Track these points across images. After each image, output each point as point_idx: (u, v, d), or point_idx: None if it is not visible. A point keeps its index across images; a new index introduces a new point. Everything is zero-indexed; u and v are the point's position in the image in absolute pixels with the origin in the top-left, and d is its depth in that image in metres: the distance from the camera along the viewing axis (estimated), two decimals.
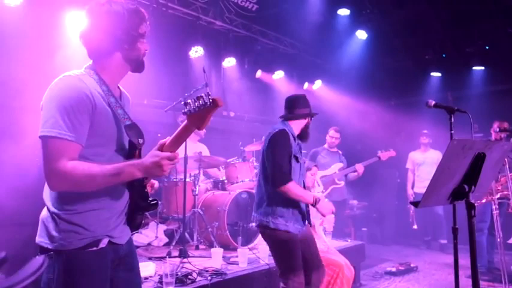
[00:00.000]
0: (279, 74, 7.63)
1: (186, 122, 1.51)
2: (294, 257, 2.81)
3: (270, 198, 2.84)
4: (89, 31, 1.63)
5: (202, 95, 1.43)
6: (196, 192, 4.58)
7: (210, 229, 4.40)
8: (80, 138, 1.51)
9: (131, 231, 1.78)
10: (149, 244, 4.78)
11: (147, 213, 1.88)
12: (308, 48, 7.98)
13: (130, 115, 1.70)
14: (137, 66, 1.72)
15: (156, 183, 1.91)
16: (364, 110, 8.01)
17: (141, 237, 4.82)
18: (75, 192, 1.54)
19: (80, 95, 1.52)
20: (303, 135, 3.06)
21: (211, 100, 1.41)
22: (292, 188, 2.75)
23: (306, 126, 3.06)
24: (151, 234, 4.89)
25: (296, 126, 3.01)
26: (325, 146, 5.91)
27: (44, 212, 1.60)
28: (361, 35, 7.37)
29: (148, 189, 1.88)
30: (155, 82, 5.48)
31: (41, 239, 1.57)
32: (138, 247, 4.65)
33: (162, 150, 1.57)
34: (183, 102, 1.49)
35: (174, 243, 4.36)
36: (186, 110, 1.47)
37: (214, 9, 6.45)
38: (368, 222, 7.63)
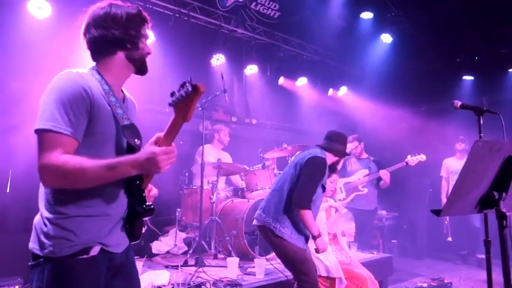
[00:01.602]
0: (302, 81, 7.51)
1: (173, 115, 1.43)
2: (302, 261, 2.94)
3: (286, 208, 2.97)
4: (90, 33, 1.63)
5: (185, 82, 1.35)
6: (214, 200, 4.49)
7: (227, 238, 4.30)
8: (76, 133, 1.47)
9: (131, 241, 1.70)
10: (168, 252, 4.73)
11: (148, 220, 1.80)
12: (332, 54, 7.83)
13: (131, 117, 1.66)
14: (140, 66, 1.69)
15: (154, 190, 1.82)
16: (392, 116, 7.73)
17: (160, 245, 4.79)
18: (67, 195, 1.49)
19: (78, 89, 1.48)
20: (331, 168, 3.26)
21: (192, 86, 1.32)
22: (307, 216, 2.91)
23: (337, 162, 3.29)
24: (171, 242, 4.85)
25: (329, 158, 3.19)
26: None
27: (37, 217, 1.56)
28: (386, 38, 7.15)
29: (147, 193, 1.81)
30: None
31: (32, 245, 1.52)
32: (157, 255, 4.62)
33: (158, 144, 1.49)
34: (170, 93, 1.41)
35: (191, 252, 4.28)
36: (171, 101, 1.40)
37: (236, 17, 6.45)
38: (398, 233, 7.30)
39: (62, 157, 1.42)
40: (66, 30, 4.43)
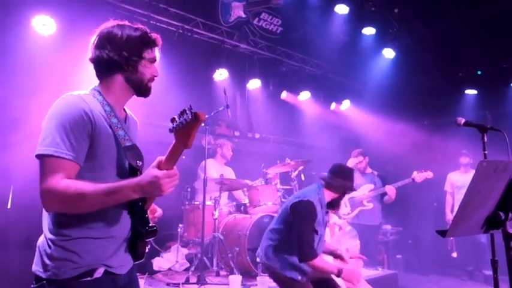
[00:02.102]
0: (305, 95, 7.52)
1: (174, 141, 1.43)
2: None
3: (276, 246, 2.98)
4: (93, 52, 1.64)
5: (185, 109, 1.35)
6: (216, 216, 4.45)
7: (230, 254, 4.25)
8: (77, 157, 1.46)
9: (135, 261, 1.69)
10: (169, 269, 4.67)
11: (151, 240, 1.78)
12: (334, 68, 7.87)
13: (133, 137, 1.65)
14: (140, 90, 1.69)
15: (159, 211, 1.81)
16: (395, 131, 7.71)
17: (162, 262, 4.73)
18: (71, 217, 1.47)
19: (79, 113, 1.48)
20: (333, 204, 3.11)
21: (193, 114, 1.32)
22: (317, 264, 2.85)
23: (339, 198, 3.11)
24: (172, 258, 4.79)
25: (328, 194, 3.06)
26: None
27: (41, 239, 1.55)
28: (388, 53, 7.17)
29: (150, 215, 1.79)
30: (180, 105, 5.50)
31: (36, 267, 1.50)
32: (158, 272, 4.57)
33: (160, 168, 1.48)
34: (170, 119, 1.41)
35: (193, 269, 4.23)
36: (171, 127, 1.39)
37: (239, 32, 6.51)
38: (403, 249, 7.19)
39: (63, 182, 1.41)
40: (70, 47, 4.50)
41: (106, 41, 1.61)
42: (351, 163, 5.50)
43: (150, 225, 1.61)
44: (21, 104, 4.34)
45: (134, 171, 1.57)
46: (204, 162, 4.53)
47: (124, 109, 1.75)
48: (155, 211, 1.80)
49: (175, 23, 5.78)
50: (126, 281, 1.64)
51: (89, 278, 1.48)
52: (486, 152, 2.39)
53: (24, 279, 1.54)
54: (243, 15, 6.36)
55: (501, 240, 1.88)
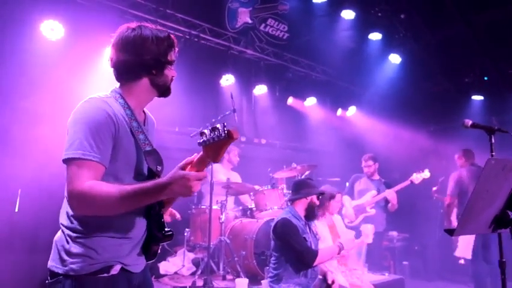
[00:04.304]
0: (311, 101, 7.54)
1: (202, 152, 1.45)
2: None
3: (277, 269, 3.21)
4: (118, 55, 1.63)
5: (218, 126, 1.35)
6: (222, 220, 4.46)
7: (236, 258, 4.25)
8: (103, 159, 1.47)
9: (147, 260, 1.69)
10: (176, 273, 4.68)
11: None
12: (341, 74, 7.87)
13: (152, 140, 1.66)
14: (164, 91, 1.70)
15: (177, 215, 1.83)
16: (401, 137, 7.69)
17: (168, 266, 4.74)
18: (92, 216, 1.48)
19: (104, 116, 1.49)
20: (308, 215, 3.37)
21: (226, 132, 1.32)
22: (321, 256, 3.14)
23: (310, 206, 3.36)
24: (179, 262, 4.80)
25: (300, 207, 3.35)
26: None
27: (58, 234, 1.56)
28: (395, 59, 7.18)
29: (168, 218, 1.81)
30: (187, 110, 5.56)
31: (52, 263, 1.52)
32: (165, 275, 4.58)
33: (187, 169, 1.50)
34: (199, 132, 1.43)
35: (199, 273, 4.23)
36: (201, 141, 1.40)
37: (245, 38, 6.55)
38: (409, 255, 7.14)
39: (88, 183, 1.41)
40: (78, 52, 4.57)
41: (134, 44, 1.59)
42: (363, 165, 5.63)
43: (166, 229, 1.61)
44: (30, 109, 4.39)
45: (153, 176, 1.57)
46: (210, 166, 4.55)
47: (143, 111, 1.75)
48: (174, 214, 1.82)
49: (182, 28, 5.84)
50: (140, 280, 1.65)
51: (105, 275, 1.49)
52: (493, 154, 2.38)
53: (31, 283, 1.55)
54: (250, 21, 6.42)
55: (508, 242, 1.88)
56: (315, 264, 3.12)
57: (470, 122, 2.53)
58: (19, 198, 4.42)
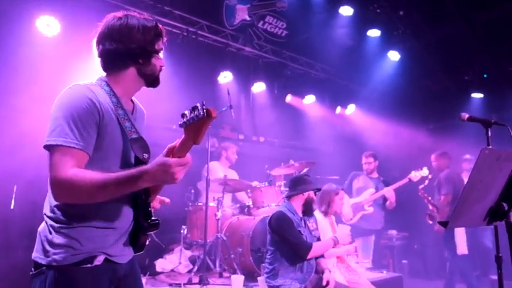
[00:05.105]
0: (310, 99, 7.51)
1: (183, 135, 1.41)
2: None
3: (272, 264, 3.22)
4: (103, 44, 1.60)
5: (197, 105, 1.32)
6: (219, 217, 4.43)
7: (233, 255, 4.21)
8: (87, 146, 1.45)
9: (135, 252, 1.68)
10: (172, 270, 4.65)
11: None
12: (340, 72, 7.84)
13: (140, 129, 1.64)
14: (152, 81, 1.68)
15: (166, 199, 1.80)
16: (401, 135, 7.65)
17: (165, 263, 4.71)
18: (74, 205, 1.46)
19: (88, 103, 1.47)
20: (305, 211, 3.37)
21: (205, 110, 1.30)
22: (315, 249, 3.19)
23: (307, 201, 3.36)
24: (176, 260, 4.76)
25: (297, 203, 3.37)
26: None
27: (42, 225, 1.54)
28: (394, 56, 7.13)
29: (157, 205, 1.78)
30: (184, 107, 5.51)
31: (36, 254, 1.50)
32: (161, 273, 4.55)
33: (170, 156, 1.46)
34: (181, 114, 1.39)
35: (195, 270, 4.20)
36: (181, 122, 1.37)
37: (243, 36, 6.52)
38: (409, 254, 7.11)
39: (72, 171, 1.39)
40: (74, 48, 4.53)
41: (121, 33, 1.57)
42: (363, 161, 5.61)
43: (153, 218, 1.59)
44: (25, 105, 4.36)
45: (140, 164, 1.53)
46: (208, 164, 4.52)
47: (132, 100, 1.73)
48: (163, 201, 1.79)
49: (180, 25, 5.81)
50: (126, 271, 1.62)
51: (88, 265, 1.47)
52: (490, 147, 2.35)
53: (27, 280, 1.54)
54: (248, 18, 6.38)
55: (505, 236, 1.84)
56: (309, 257, 3.14)
57: (466, 116, 2.50)
58: (14, 195, 4.40)
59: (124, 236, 1.58)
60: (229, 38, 6.36)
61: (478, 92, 7.45)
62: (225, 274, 4.38)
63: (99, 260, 1.49)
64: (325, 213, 3.75)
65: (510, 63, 6.94)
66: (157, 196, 1.74)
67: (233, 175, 5.48)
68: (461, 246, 5.24)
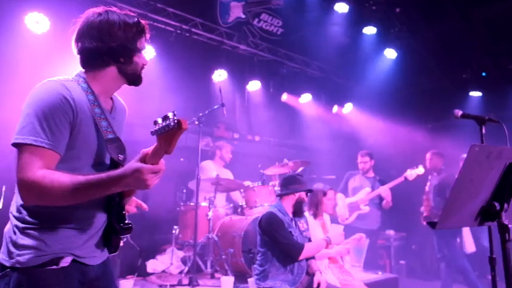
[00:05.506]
0: (306, 98, 7.42)
1: (156, 143, 1.35)
2: None
3: (263, 265, 3.17)
4: (82, 41, 1.53)
5: (169, 114, 1.26)
6: (210, 217, 4.35)
7: (224, 256, 4.14)
8: (58, 146, 1.38)
9: (110, 253, 1.62)
10: (164, 271, 4.57)
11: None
12: (336, 70, 7.76)
13: (119, 128, 1.58)
14: (133, 80, 1.61)
15: (144, 205, 1.73)
16: (398, 134, 7.56)
17: (156, 264, 4.64)
18: (41, 206, 1.39)
19: (60, 100, 1.40)
20: (295, 211, 3.31)
21: (176, 121, 1.24)
22: (307, 250, 3.13)
23: (298, 202, 3.30)
24: (167, 260, 4.69)
25: (288, 202, 3.30)
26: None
27: (8, 226, 1.48)
28: (390, 54, 7.04)
29: (133, 209, 1.71)
30: (178, 106, 5.46)
31: (1, 255, 1.44)
32: (152, 274, 4.47)
33: (145, 162, 1.39)
34: (153, 121, 1.32)
35: (186, 271, 4.12)
36: (153, 130, 1.31)
37: (238, 33, 6.44)
38: (407, 254, 7.03)
39: (40, 172, 1.33)
40: (64, 46, 4.45)
41: (101, 31, 1.50)
42: (358, 160, 5.54)
43: (126, 222, 1.54)
44: (14, 104, 4.28)
45: (115, 165, 1.49)
46: (202, 163, 4.45)
47: (112, 98, 1.66)
48: (141, 206, 1.72)
49: (173, 23, 5.73)
50: (98, 273, 1.56)
51: (54, 267, 1.41)
52: (480, 144, 2.28)
53: None
54: (243, 16, 6.31)
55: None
56: (301, 257, 3.08)
57: (460, 113, 2.45)
58: (3, 195, 4.32)
59: (94, 237, 1.52)
60: (224, 35, 6.28)
61: (476, 91, 7.36)
62: (217, 275, 4.31)
63: (65, 261, 1.43)
64: (315, 215, 3.68)
65: (509, 61, 6.85)
66: (135, 200, 1.68)
67: (227, 174, 5.40)
68: (469, 244, 5.18)
